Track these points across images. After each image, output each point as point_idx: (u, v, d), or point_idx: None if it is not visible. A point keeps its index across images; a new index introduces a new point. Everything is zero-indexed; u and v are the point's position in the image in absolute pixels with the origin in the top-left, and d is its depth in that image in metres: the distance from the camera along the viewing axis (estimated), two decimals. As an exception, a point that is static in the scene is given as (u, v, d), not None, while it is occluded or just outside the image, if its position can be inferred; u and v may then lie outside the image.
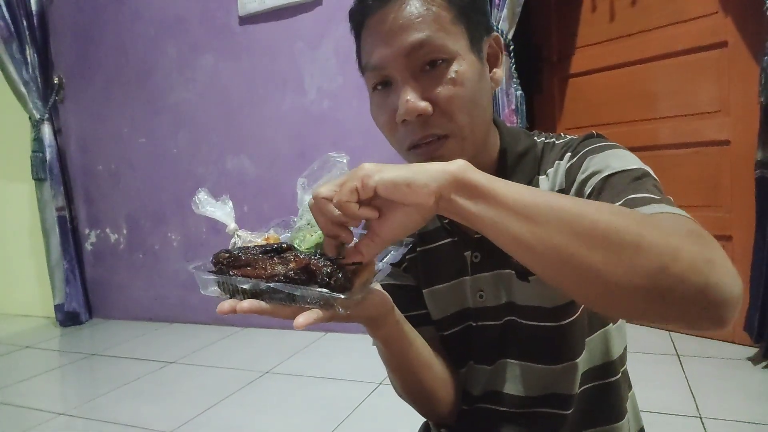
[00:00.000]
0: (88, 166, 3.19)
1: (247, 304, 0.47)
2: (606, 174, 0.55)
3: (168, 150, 2.95)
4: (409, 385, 0.70)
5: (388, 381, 1.92)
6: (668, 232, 0.40)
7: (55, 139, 3.12)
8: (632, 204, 0.48)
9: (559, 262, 0.41)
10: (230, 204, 0.58)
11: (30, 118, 3.04)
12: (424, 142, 0.59)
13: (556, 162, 0.65)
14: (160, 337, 2.81)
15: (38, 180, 3.08)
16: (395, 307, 0.61)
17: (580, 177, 0.59)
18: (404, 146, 0.61)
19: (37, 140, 3.05)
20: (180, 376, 2.23)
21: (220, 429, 1.74)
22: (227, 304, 0.47)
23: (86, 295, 3.23)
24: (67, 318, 3.12)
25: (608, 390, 0.69)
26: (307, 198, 0.54)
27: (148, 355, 2.50)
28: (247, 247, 0.52)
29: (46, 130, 3.06)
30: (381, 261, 0.54)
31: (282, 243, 0.53)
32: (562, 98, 2.53)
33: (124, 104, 3.03)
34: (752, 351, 1.90)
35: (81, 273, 3.21)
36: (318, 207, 0.46)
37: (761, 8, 1.71)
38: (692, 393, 1.66)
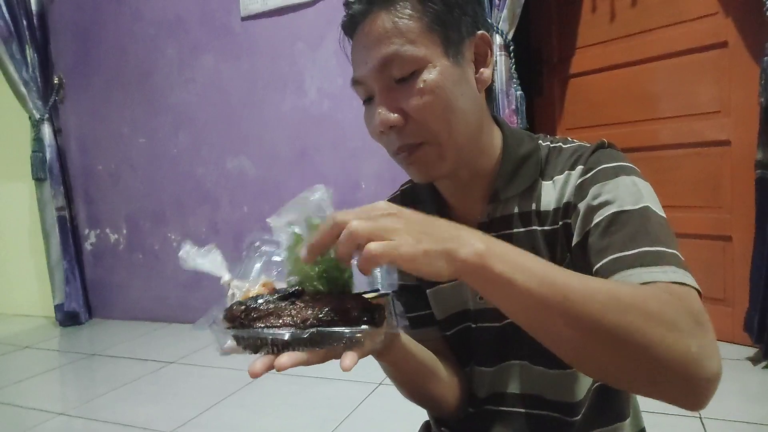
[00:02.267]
0: (88, 166, 3.19)
1: (287, 358, 0.45)
2: (616, 210, 0.56)
3: (168, 150, 2.95)
4: (417, 393, 0.71)
5: (388, 381, 1.92)
6: (671, 326, 0.43)
7: (55, 138, 3.12)
8: (643, 260, 0.51)
9: (561, 346, 0.46)
10: (219, 253, 0.55)
11: (30, 118, 3.04)
12: (401, 150, 0.62)
13: (567, 172, 0.64)
14: (160, 337, 2.81)
15: (38, 180, 3.08)
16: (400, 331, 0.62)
17: (591, 202, 0.59)
18: (389, 152, 0.64)
19: (37, 140, 3.05)
20: (180, 376, 2.23)
21: (220, 429, 1.74)
22: (260, 363, 0.45)
23: (86, 295, 3.23)
24: (67, 318, 3.12)
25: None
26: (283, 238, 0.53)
27: (148, 355, 2.50)
28: (260, 296, 0.49)
29: (46, 130, 3.06)
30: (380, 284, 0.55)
31: (294, 287, 0.51)
32: (562, 99, 2.53)
33: (124, 104, 3.03)
34: (752, 351, 1.90)
35: (81, 273, 3.21)
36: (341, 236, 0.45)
37: (761, 8, 1.72)
38: (692, 393, 1.66)
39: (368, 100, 0.63)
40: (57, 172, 3.10)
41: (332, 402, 1.83)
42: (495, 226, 0.67)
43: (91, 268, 3.26)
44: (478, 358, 0.72)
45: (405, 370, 0.66)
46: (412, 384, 0.69)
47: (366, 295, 0.52)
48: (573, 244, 0.60)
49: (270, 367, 0.46)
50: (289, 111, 2.63)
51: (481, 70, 0.64)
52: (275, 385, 2.05)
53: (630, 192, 0.57)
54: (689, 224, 2.07)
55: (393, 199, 0.79)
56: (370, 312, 0.48)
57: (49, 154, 3.06)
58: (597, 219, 0.57)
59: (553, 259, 0.63)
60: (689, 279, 0.48)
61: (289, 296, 0.50)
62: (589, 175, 0.61)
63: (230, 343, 0.48)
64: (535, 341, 0.65)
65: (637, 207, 0.55)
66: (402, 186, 0.80)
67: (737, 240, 1.97)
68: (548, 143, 0.69)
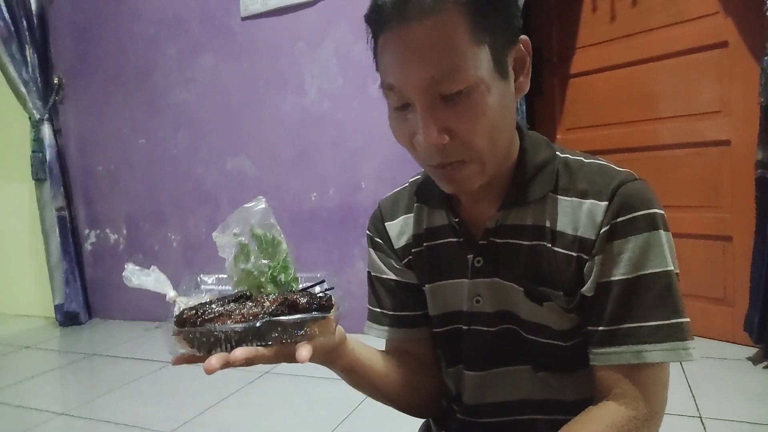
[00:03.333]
0: (87, 166, 3.19)
1: (241, 351, 0.47)
2: (635, 275, 0.58)
3: (168, 150, 2.95)
4: (379, 397, 0.73)
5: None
6: None
7: (55, 139, 3.12)
8: (656, 336, 0.58)
9: None
10: (161, 272, 0.57)
11: (30, 118, 3.04)
12: (442, 166, 0.59)
13: (590, 201, 0.61)
14: (160, 337, 2.80)
15: (38, 180, 3.07)
16: (346, 336, 0.63)
17: (612, 256, 0.59)
18: (424, 164, 0.61)
19: (37, 140, 3.05)
20: (180, 376, 2.22)
21: (220, 429, 1.74)
22: (215, 359, 0.46)
23: (86, 296, 3.23)
24: (67, 318, 3.12)
25: None
26: (228, 252, 0.55)
27: (148, 356, 2.50)
28: (209, 302, 0.52)
29: (46, 130, 3.06)
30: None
31: (243, 290, 0.54)
32: (562, 99, 2.52)
33: (124, 104, 3.03)
34: (752, 351, 1.90)
35: (81, 273, 3.21)
36: None
37: (761, 8, 1.71)
38: (692, 393, 1.66)
39: (402, 107, 0.59)
40: (57, 172, 3.10)
41: (332, 402, 1.83)
42: (503, 233, 0.66)
43: (91, 268, 3.26)
44: (467, 360, 0.71)
45: (359, 375, 0.67)
46: (371, 389, 0.71)
47: (311, 290, 0.55)
48: (582, 291, 0.61)
49: (225, 363, 0.46)
50: (289, 111, 2.63)
51: (520, 78, 0.61)
52: (275, 385, 2.05)
53: (654, 253, 0.58)
54: (689, 224, 2.07)
55: (401, 192, 0.78)
56: (317, 300, 0.51)
57: (49, 154, 3.06)
58: (617, 277, 0.59)
59: (560, 280, 0.63)
60: (685, 353, 0.58)
61: (238, 299, 0.52)
62: (617, 222, 0.59)
63: (182, 350, 0.49)
64: (539, 346, 0.65)
65: (656, 270, 0.58)
66: (411, 179, 0.78)
67: (737, 240, 1.97)
68: (567, 155, 0.66)
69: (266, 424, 1.74)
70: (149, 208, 3.05)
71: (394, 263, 0.76)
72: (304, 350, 0.48)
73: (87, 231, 3.25)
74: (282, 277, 0.55)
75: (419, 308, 0.74)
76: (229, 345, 0.48)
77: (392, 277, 0.75)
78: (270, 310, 0.49)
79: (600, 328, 0.60)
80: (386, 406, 0.75)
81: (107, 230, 3.19)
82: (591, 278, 0.60)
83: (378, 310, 0.77)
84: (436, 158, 0.58)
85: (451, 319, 0.72)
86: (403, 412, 0.77)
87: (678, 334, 0.57)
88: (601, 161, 0.65)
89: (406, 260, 0.75)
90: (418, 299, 0.74)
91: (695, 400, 1.62)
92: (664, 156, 2.16)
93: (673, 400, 1.71)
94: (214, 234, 0.55)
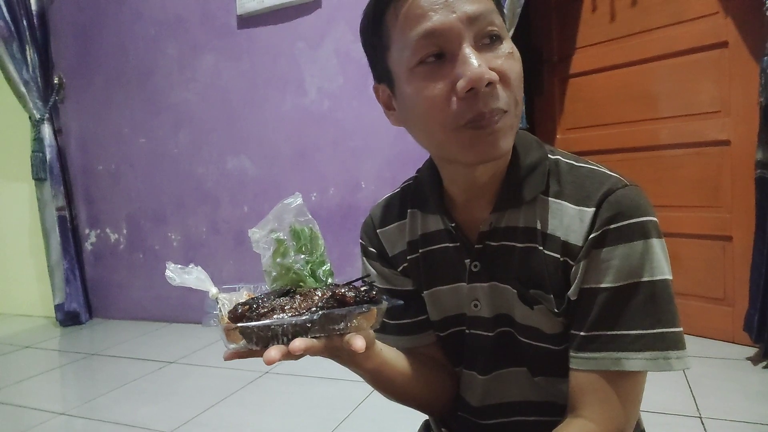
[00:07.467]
0: (88, 166, 3.19)
1: (300, 341, 0.49)
2: (629, 281, 0.57)
3: (168, 150, 2.95)
4: (399, 398, 0.72)
5: (388, 381, 1.91)
6: None
7: (55, 139, 3.12)
8: (639, 344, 0.56)
9: None
10: (202, 270, 0.57)
11: (30, 117, 3.04)
12: (492, 114, 0.55)
13: (579, 208, 0.60)
14: (160, 337, 2.81)
15: (38, 180, 3.07)
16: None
17: (603, 261, 0.58)
18: (461, 121, 0.55)
19: (37, 140, 3.05)
20: (180, 376, 2.23)
21: (220, 429, 1.74)
22: (275, 350, 0.48)
23: (86, 295, 3.23)
24: (67, 318, 3.12)
25: None
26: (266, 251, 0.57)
27: (148, 355, 2.50)
28: (259, 296, 0.54)
29: (46, 130, 3.06)
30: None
31: (285, 286, 0.56)
32: (562, 98, 2.53)
33: (125, 104, 3.03)
34: (752, 351, 1.90)
35: (81, 273, 3.21)
36: None
37: (761, 8, 1.72)
38: (692, 393, 1.67)
39: (436, 58, 0.56)
40: (57, 172, 3.10)
41: (332, 402, 1.83)
42: (497, 235, 0.65)
43: (92, 267, 3.26)
44: (469, 362, 0.72)
45: (386, 376, 0.67)
46: (393, 390, 0.70)
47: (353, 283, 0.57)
48: (568, 295, 0.61)
49: (285, 353, 0.48)
50: (290, 110, 2.63)
51: None
52: (275, 384, 2.05)
53: (644, 262, 0.57)
54: (689, 224, 2.07)
55: (392, 198, 0.78)
56: (365, 294, 0.53)
57: (49, 154, 3.06)
58: (605, 284, 0.57)
59: (550, 283, 0.62)
60: (666, 363, 0.56)
61: (284, 294, 0.54)
62: (607, 229, 0.58)
63: (234, 345, 0.51)
64: (533, 350, 0.65)
65: (644, 280, 0.57)
66: (404, 183, 0.78)
67: (737, 240, 1.97)
68: (558, 156, 0.65)
69: (266, 424, 1.75)
70: (150, 207, 3.05)
71: (389, 272, 0.75)
72: (358, 340, 0.51)
73: (87, 230, 3.25)
74: (320, 271, 0.57)
75: (421, 314, 0.74)
76: (285, 338, 0.50)
77: (387, 287, 0.75)
78: (321, 303, 0.51)
79: (582, 332, 0.59)
80: (396, 404, 0.74)
81: (108, 230, 3.19)
82: (575, 283, 0.59)
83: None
84: (488, 102, 0.54)
85: (454, 322, 0.72)
86: (426, 410, 0.77)
87: (660, 343, 0.56)
88: (592, 165, 0.63)
89: (401, 268, 0.75)
90: (418, 305, 0.74)
91: (695, 400, 1.62)
92: (663, 156, 2.17)
93: (673, 400, 1.71)
94: (250, 231, 0.57)
